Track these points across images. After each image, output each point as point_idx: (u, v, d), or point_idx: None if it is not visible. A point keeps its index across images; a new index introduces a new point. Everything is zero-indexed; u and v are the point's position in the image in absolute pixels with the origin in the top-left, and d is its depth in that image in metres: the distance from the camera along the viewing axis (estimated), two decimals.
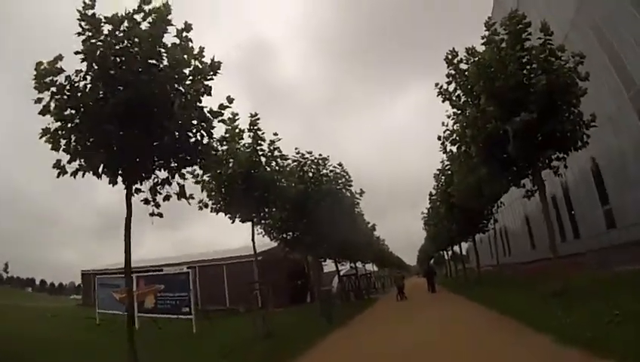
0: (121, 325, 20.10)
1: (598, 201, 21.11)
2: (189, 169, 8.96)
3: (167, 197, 8.76)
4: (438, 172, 26.00)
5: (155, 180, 8.66)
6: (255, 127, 13.63)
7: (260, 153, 13.46)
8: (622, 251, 17.86)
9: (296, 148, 18.31)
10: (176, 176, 8.80)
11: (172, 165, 8.68)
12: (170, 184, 8.89)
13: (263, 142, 13.70)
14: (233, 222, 13.42)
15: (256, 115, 13.75)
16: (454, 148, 13.69)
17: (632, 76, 17.06)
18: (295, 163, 18.12)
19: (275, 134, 14.08)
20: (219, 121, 8.98)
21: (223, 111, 9.02)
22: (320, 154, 18.55)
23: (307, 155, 18.29)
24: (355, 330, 14.32)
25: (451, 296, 23.78)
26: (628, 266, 15.41)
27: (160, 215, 8.69)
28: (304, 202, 16.91)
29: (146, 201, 8.54)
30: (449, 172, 24.05)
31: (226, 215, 13.20)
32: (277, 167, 13.77)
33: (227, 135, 12.43)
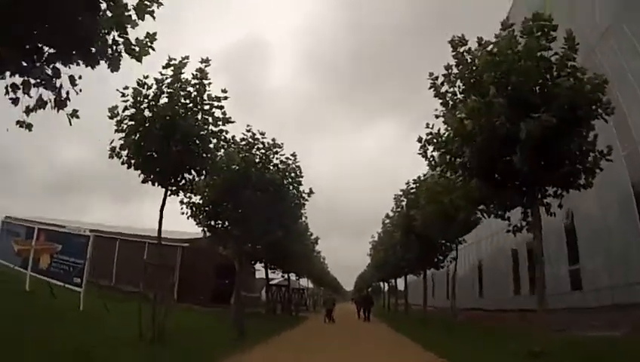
0: (8, 278, 16.91)
1: (565, 259, 19.37)
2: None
3: (41, 104, 6.07)
4: (400, 193, 23.24)
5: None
6: (201, 74, 10.70)
7: (198, 106, 10.46)
8: (587, 315, 15.95)
9: (247, 126, 15.48)
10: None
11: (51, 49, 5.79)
12: (54, 88, 6.04)
13: (205, 95, 10.73)
14: (144, 181, 10.34)
15: (207, 60, 10.86)
16: (436, 155, 10.95)
17: (632, 132, 15.49)
18: (244, 142, 15.32)
19: (224, 91, 11.16)
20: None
21: None
22: (273, 139, 15.74)
23: (259, 136, 15.47)
24: (268, 355, 11.33)
25: (392, 334, 19.97)
26: (594, 332, 13.44)
27: (29, 127, 6.18)
28: (242, 186, 14.09)
29: (15, 101, 5.94)
30: (412, 195, 21.70)
31: (136, 169, 10.10)
32: (213, 128, 10.77)
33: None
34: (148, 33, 7.06)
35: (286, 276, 28.90)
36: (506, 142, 8.44)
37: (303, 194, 16.53)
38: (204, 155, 10.56)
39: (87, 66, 5.89)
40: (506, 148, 8.56)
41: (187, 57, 10.56)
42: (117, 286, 26.07)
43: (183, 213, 14.97)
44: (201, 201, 14.89)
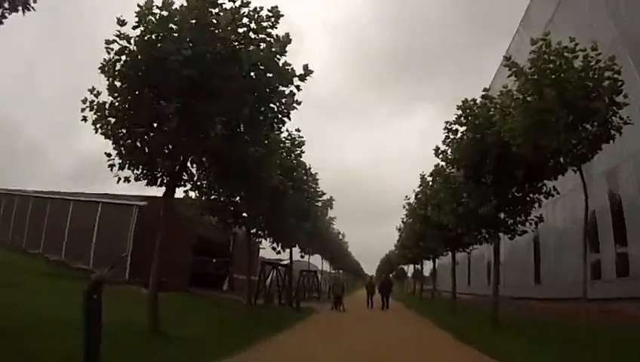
0: None
1: None
2: None
3: None
4: (460, 113, 13.46)
5: None
6: None
7: None
8: None
9: None
10: None
11: None
12: None
13: None
14: None
15: None
16: None
17: None
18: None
19: None
20: None
21: None
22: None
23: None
24: None
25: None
26: None
27: None
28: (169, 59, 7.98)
29: None
30: (481, 109, 13.28)
31: None
32: None
33: None
34: None
35: (281, 250, 20.76)
36: None
37: (289, 70, 9.09)
38: None
39: None
40: None
41: None
42: (71, 264, 20.76)
43: (84, 119, 9.04)
44: (112, 98, 8.96)
